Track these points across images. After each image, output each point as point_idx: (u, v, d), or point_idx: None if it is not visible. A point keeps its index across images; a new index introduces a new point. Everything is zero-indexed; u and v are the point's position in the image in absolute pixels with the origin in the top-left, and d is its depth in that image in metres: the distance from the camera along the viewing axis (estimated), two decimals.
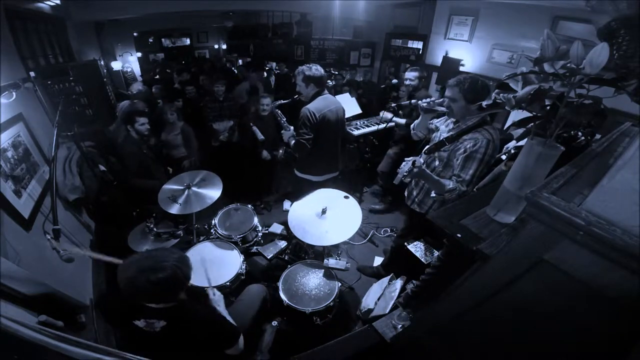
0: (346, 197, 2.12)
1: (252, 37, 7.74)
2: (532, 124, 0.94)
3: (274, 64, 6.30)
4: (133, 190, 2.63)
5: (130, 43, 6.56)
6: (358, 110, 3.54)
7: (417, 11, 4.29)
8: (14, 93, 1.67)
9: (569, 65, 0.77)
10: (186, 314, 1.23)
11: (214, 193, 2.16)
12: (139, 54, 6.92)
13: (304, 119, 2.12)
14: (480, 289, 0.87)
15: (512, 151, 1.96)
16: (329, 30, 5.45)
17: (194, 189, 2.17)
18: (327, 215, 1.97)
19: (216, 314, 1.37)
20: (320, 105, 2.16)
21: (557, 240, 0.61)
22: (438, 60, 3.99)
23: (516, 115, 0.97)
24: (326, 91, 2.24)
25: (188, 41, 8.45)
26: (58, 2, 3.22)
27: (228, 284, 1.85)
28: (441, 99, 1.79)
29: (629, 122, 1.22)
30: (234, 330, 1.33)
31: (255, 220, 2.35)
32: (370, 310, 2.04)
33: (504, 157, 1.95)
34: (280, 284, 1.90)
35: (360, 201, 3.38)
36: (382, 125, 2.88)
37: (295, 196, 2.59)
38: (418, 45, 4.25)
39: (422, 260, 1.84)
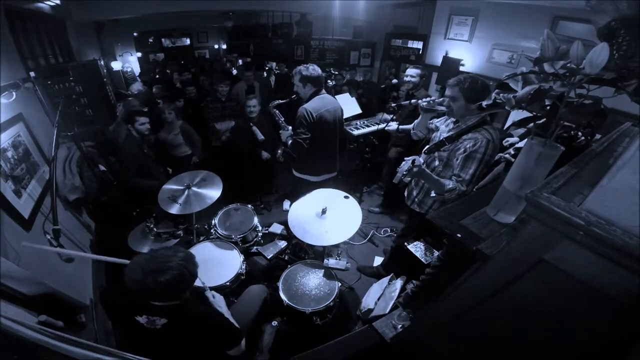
0: (346, 197, 2.12)
1: (252, 37, 7.74)
2: (532, 124, 0.94)
3: (274, 64, 6.31)
4: (133, 190, 2.63)
5: (130, 43, 6.57)
6: (358, 110, 3.54)
7: (417, 11, 4.29)
8: (14, 93, 1.66)
9: (569, 65, 0.77)
10: (188, 312, 1.23)
11: (214, 193, 2.16)
12: (139, 54, 6.93)
13: (301, 119, 2.12)
14: (480, 289, 0.87)
15: (512, 152, 1.96)
16: (329, 30, 5.45)
17: (194, 189, 2.17)
18: (327, 215, 1.97)
19: (219, 314, 1.37)
20: (317, 105, 2.16)
21: (557, 240, 0.61)
22: (438, 60, 4.00)
23: (516, 115, 0.97)
24: (324, 91, 2.24)
25: (188, 41, 8.47)
26: (58, 2, 3.22)
27: (228, 284, 1.86)
28: (441, 99, 1.79)
29: (629, 122, 1.22)
30: (236, 331, 1.33)
31: (255, 220, 2.35)
32: (370, 310, 2.04)
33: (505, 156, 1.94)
34: (280, 284, 1.90)
35: (360, 201, 3.39)
36: (382, 125, 2.88)
37: (293, 196, 2.59)
38: (418, 45, 4.25)
39: (422, 260, 1.84)
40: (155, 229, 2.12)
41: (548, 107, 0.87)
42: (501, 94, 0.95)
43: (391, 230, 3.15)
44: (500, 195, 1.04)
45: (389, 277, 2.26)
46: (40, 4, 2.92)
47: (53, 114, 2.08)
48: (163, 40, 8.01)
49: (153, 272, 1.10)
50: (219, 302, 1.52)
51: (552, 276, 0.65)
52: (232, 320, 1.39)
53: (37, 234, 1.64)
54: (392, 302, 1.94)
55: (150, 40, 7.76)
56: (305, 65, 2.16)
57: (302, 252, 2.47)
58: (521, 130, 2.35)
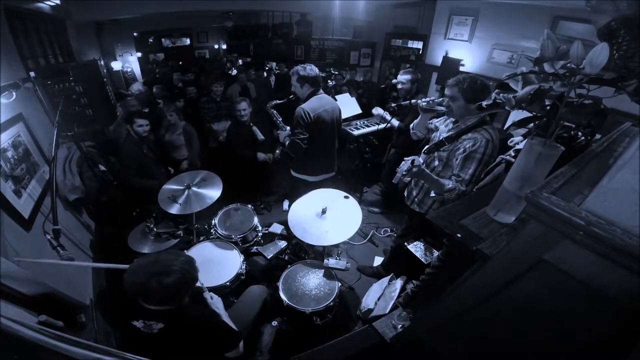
0: (346, 197, 2.12)
1: (252, 37, 7.75)
2: (532, 124, 0.94)
3: (274, 64, 6.31)
4: (133, 190, 2.63)
5: (130, 43, 6.56)
6: (358, 110, 3.54)
7: (417, 11, 4.29)
8: (14, 93, 1.67)
9: (569, 65, 0.77)
10: (185, 317, 1.23)
11: (214, 193, 2.16)
12: (139, 54, 6.93)
13: (299, 119, 2.12)
14: (480, 289, 0.87)
15: (513, 153, 1.96)
16: (329, 30, 5.45)
17: (194, 189, 2.17)
18: (327, 215, 1.97)
19: (216, 318, 1.37)
20: (315, 105, 2.16)
21: (557, 240, 0.61)
22: (438, 60, 4.00)
23: (516, 115, 0.97)
24: (321, 91, 2.24)
25: (188, 41, 8.48)
26: (58, 2, 3.22)
27: (228, 284, 1.86)
28: (441, 99, 1.79)
29: (629, 122, 1.22)
30: (234, 333, 1.33)
31: (255, 220, 2.35)
32: (370, 310, 2.04)
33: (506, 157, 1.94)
34: (280, 284, 1.90)
35: (360, 201, 3.38)
36: (382, 125, 2.88)
37: (291, 197, 2.59)
38: (418, 45, 4.25)
39: (422, 260, 1.84)
40: (155, 229, 2.12)
41: (548, 107, 0.87)
42: (501, 94, 0.95)
43: (391, 230, 3.15)
44: (500, 195, 1.04)
45: (389, 277, 2.26)
46: (40, 4, 2.92)
47: (53, 114, 2.08)
48: (163, 40, 8.02)
49: (156, 274, 1.11)
50: (216, 303, 1.51)
51: (552, 276, 0.65)
52: (230, 323, 1.39)
53: (37, 234, 1.64)
54: (392, 302, 1.94)
55: (150, 40, 7.77)
56: (302, 65, 2.15)
57: (302, 252, 2.47)
58: (522, 130, 2.35)
